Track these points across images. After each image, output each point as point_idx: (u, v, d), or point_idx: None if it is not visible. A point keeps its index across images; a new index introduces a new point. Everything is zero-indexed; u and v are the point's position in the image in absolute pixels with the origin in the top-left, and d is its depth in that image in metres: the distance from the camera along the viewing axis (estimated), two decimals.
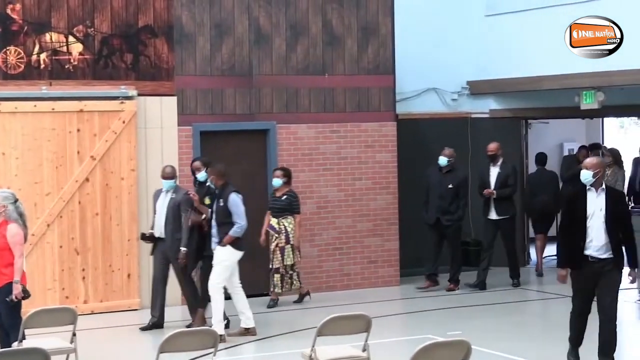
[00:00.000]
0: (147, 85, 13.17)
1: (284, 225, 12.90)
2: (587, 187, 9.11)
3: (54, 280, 12.57)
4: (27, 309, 9.45)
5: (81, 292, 12.70)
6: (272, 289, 13.00)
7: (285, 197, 12.90)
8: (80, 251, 12.69)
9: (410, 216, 15.01)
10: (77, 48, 12.87)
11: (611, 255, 9.07)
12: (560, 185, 15.68)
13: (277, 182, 12.94)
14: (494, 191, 14.03)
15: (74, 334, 9.14)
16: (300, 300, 13.26)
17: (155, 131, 13.15)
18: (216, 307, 11.11)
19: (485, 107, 16.20)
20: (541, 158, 16.01)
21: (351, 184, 14.17)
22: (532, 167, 16.66)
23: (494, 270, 15.74)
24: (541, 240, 15.73)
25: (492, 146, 14.20)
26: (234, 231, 11.06)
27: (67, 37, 12.82)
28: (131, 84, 13.03)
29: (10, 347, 8.87)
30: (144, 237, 11.92)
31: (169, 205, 11.63)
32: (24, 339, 8.91)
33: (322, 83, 14.03)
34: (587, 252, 9.14)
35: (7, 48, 12.58)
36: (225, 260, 11.11)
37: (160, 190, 11.84)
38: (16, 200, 9.41)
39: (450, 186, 13.98)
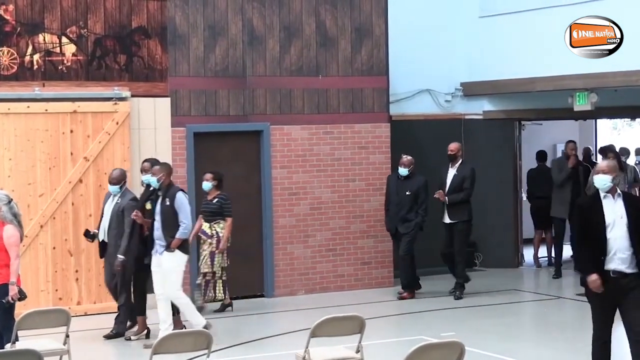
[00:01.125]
0: (141, 86, 13.16)
1: (216, 230, 12.53)
2: (603, 194, 8.18)
3: (47, 282, 12.55)
4: (20, 310, 9.43)
5: (74, 293, 12.68)
6: (200, 295, 12.48)
7: (216, 200, 12.56)
8: (73, 252, 12.67)
9: None
10: (70, 49, 12.86)
11: (636, 270, 8.07)
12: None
13: (206, 185, 12.58)
14: (445, 196, 13.37)
15: (67, 336, 9.12)
16: (222, 309, 12.71)
17: (149, 132, 13.14)
18: (188, 309, 10.94)
19: (478, 108, 16.21)
20: (542, 155, 16.24)
21: (345, 185, 14.17)
22: (526, 168, 16.71)
23: (487, 271, 15.78)
24: (538, 237, 15.93)
25: (453, 146, 13.60)
26: (181, 233, 10.67)
27: (60, 38, 12.80)
28: (124, 85, 13.01)
29: (3, 348, 8.85)
30: (87, 234, 11.48)
31: (113, 210, 11.23)
32: (17, 340, 8.89)
33: (316, 84, 14.03)
34: (609, 267, 8.12)
35: (0, 49, 12.56)
36: (176, 267, 10.77)
37: (110, 193, 11.45)
38: (10, 201, 9.39)
39: (407, 193, 13.46)
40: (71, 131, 12.69)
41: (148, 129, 13.14)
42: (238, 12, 13.61)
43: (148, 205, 11.08)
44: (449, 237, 13.51)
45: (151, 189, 11.09)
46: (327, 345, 8.64)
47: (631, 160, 18.67)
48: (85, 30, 12.90)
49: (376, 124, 14.39)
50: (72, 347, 9.15)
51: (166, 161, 11.73)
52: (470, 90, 16.09)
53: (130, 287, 11.32)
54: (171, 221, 10.66)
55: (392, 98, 14.98)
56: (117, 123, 12.86)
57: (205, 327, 10.44)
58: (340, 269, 14.17)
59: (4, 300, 9.14)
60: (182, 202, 10.74)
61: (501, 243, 15.66)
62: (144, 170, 11.46)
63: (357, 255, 14.28)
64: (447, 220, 13.48)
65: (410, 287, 13.63)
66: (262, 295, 13.79)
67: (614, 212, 8.09)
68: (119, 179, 11.30)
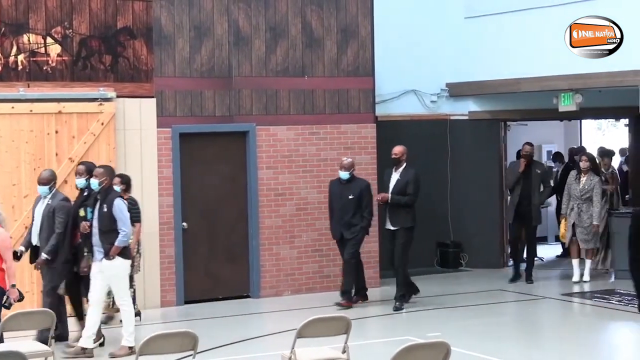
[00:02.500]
0: (126, 86, 13.13)
1: None
2: None
3: (31, 283, 12.48)
4: (4, 312, 9.39)
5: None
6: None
7: None
8: None
9: None
10: (55, 49, 12.82)
11: None
12: (509, 196, 15.10)
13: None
14: (387, 196, 12.76)
15: (52, 337, 9.10)
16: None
17: (134, 133, 13.11)
18: (130, 320, 10.59)
19: (464, 108, 16.24)
20: (558, 156, 16.48)
21: None
22: None
23: (472, 272, 15.80)
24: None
25: (397, 149, 12.95)
26: (120, 240, 10.32)
27: (45, 39, 12.76)
28: (110, 86, 12.98)
29: None
30: (15, 256, 10.22)
31: (44, 212, 10.77)
32: (2, 342, 8.86)
33: (302, 85, 14.02)
34: None
35: None
36: (119, 273, 10.44)
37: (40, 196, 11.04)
38: None
39: (350, 197, 12.93)
40: (56, 132, 12.64)
41: (133, 129, 13.11)
42: (224, 13, 13.60)
43: (82, 212, 10.71)
44: (392, 244, 12.88)
45: (85, 194, 10.74)
46: (313, 346, 8.64)
47: (614, 161, 18.76)
48: (71, 30, 12.86)
49: (362, 124, 14.40)
50: (56, 349, 9.12)
51: (109, 164, 11.43)
52: (456, 90, 16.12)
53: (58, 292, 10.76)
54: (108, 228, 10.33)
55: (378, 99, 14.99)
56: (103, 124, 12.82)
57: (132, 349, 10.27)
58: (326, 270, 14.16)
59: (6, 304, 9.11)
60: (121, 209, 10.37)
61: (486, 243, 15.70)
62: (78, 174, 10.98)
63: None
64: (389, 226, 12.85)
65: (351, 293, 13.08)
66: (248, 296, 13.77)
67: None
68: (49, 180, 10.83)
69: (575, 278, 14.49)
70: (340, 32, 14.22)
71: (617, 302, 13.28)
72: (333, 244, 14.14)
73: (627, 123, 17.52)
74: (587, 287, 14.26)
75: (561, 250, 16.96)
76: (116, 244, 10.31)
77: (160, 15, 13.27)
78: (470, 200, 15.92)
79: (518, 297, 13.62)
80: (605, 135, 25.31)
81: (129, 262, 10.62)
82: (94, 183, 10.46)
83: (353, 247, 13.01)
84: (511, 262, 15.33)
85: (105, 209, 10.34)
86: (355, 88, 14.32)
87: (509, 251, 15.49)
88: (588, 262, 14.57)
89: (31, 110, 12.52)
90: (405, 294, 12.95)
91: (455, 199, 16.17)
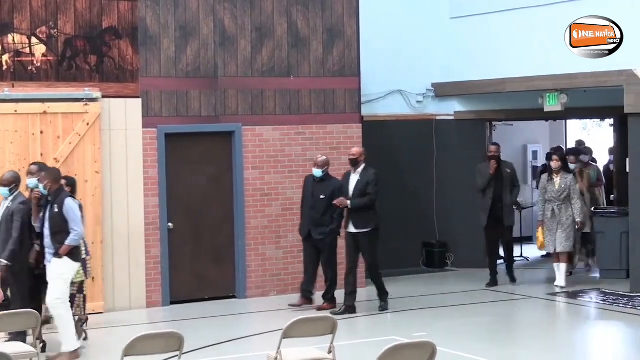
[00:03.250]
0: (112, 87, 13.10)
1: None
2: None
3: None
4: None
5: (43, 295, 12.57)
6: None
7: None
8: None
9: None
10: (40, 49, 12.78)
11: None
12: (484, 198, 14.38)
13: None
14: (346, 202, 12.42)
15: (38, 339, 9.07)
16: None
17: (120, 133, 13.08)
18: (64, 324, 10.18)
19: (450, 109, 16.26)
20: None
21: None
22: None
23: (458, 272, 15.83)
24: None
25: (355, 150, 12.78)
26: (71, 240, 10.12)
27: (30, 39, 12.72)
28: (95, 86, 12.95)
29: None
30: None
31: (3, 215, 10.49)
32: None
33: (288, 85, 14.02)
34: None
35: None
36: (64, 274, 10.16)
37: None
38: None
39: (322, 197, 12.66)
40: (41, 132, 12.61)
41: (119, 129, 13.08)
42: (209, 13, 13.58)
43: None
44: (354, 248, 12.52)
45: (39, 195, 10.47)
46: (300, 346, 8.64)
47: (602, 160, 18.83)
48: (56, 30, 12.82)
49: (348, 124, 14.40)
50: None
51: (54, 166, 11.21)
52: (442, 91, 16.15)
53: (25, 297, 10.31)
54: (60, 228, 10.13)
55: (364, 99, 15.00)
56: (88, 124, 12.79)
57: (76, 353, 10.07)
58: None
59: None
60: (71, 209, 10.18)
61: (473, 243, 15.71)
62: (30, 174, 10.75)
63: None
64: (352, 229, 12.47)
65: (329, 297, 12.89)
66: (234, 297, 13.76)
67: None
68: (10, 182, 10.57)
69: (560, 283, 14.02)
70: (326, 32, 14.22)
71: (602, 302, 13.33)
72: None
73: (612, 123, 17.57)
74: (572, 287, 14.28)
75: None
76: (67, 242, 10.11)
77: (145, 15, 13.24)
78: (456, 200, 15.94)
79: (503, 297, 13.64)
80: (590, 135, 25.40)
81: (76, 265, 10.34)
82: (36, 184, 10.28)
83: (330, 254, 12.83)
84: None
85: (57, 209, 10.14)
86: (341, 88, 14.32)
87: (487, 256, 14.77)
88: (563, 267, 14.06)
89: (16, 111, 12.48)
90: (386, 297, 12.80)
91: (441, 199, 16.20)
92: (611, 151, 18.51)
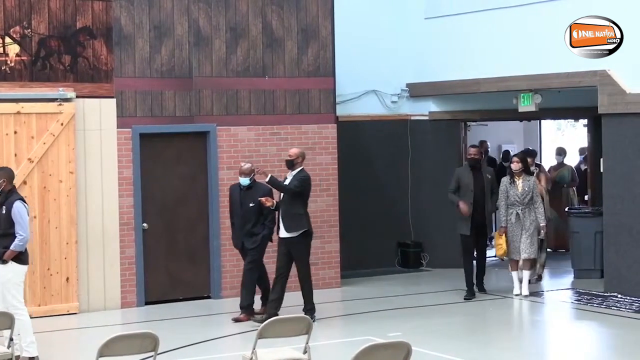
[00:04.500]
0: (86, 87, 13.04)
1: None
2: None
3: None
4: None
5: None
6: None
7: None
8: None
9: (350, 218, 15.08)
10: (13, 49, 12.70)
11: None
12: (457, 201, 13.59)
13: None
14: (273, 201, 11.97)
15: (12, 339, 9.02)
16: None
17: (94, 133, 13.03)
18: (25, 328, 9.94)
19: (424, 109, 16.30)
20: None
21: None
22: None
23: (433, 272, 15.87)
24: None
25: (292, 151, 12.24)
26: (16, 245, 9.86)
27: (3, 39, 12.64)
28: (69, 86, 12.89)
29: None
30: None
31: None
32: None
33: (262, 85, 14.01)
34: None
35: None
36: (12, 278, 9.89)
37: None
38: None
39: (251, 205, 12.11)
40: (15, 132, 12.54)
41: (93, 130, 13.03)
42: (184, 13, 13.56)
43: None
44: (284, 253, 12.01)
45: None
46: (275, 347, 8.64)
47: (573, 160, 18.94)
48: (29, 30, 12.75)
49: (323, 124, 14.41)
50: (16, 351, 9.04)
51: (8, 166, 11.05)
52: (416, 91, 16.19)
53: None
54: (5, 231, 9.90)
55: (339, 99, 15.01)
56: (62, 124, 12.74)
57: (33, 359, 9.90)
58: None
59: None
60: (19, 212, 9.95)
61: (447, 243, 15.76)
62: None
63: None
64: (282, 234, 11.97)
65: (251, 306, 12.32)
66: (209, 297, 13.74)
67: None
68: None
69: (517, 291, 13.51)
70: (301, 33, 14.23)
71: (576, 301, 13.40)
72: None
73: (586, 123, 17.68)
74: (546, 287, 14.35)
75: None
76: (12, 247, 9.86)
77: (120, 15, 13.20)
78: (431, 201, 15.98)
79: (479, 296, 13.68)
80: (564, 135, 25.55)
81: (24, 267, 10.10)
82: None
83: (252, 256, 12.25)
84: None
85: (4, 211, 9.94)
86: (316, 88, 14.33)
87: (465, 267, 13.74)
88: (527, 274, 13.53)
89: None
90: (313, 308, 12.07)
91: (415, 199, 16.23)
92: (581, 151, 18.62)
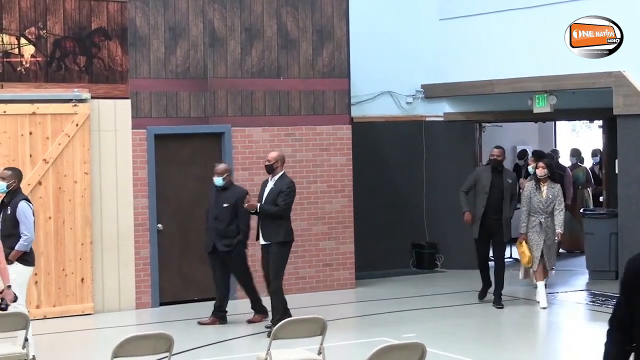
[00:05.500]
0: (101, 88, 13.07)
1: None
2: None
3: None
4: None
5: (34, 296, 12.56)
6: None
7: None
8: None
9: (365, 219, 15.07)
10: (29, 50, 12.74)
11: None
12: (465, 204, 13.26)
13: None
14: (255, 205, 11.55)
15: (27, 340, 9.05)
16: None
17: (109, 134, 13.06)
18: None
19: (439, 110, 16.29)
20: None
21: (306, 187, 14.17)
22: None
23: (447, 273, 15.84)
24: None
25: (270, 155, 11.86)
26: (21, 245, 9.87)
27: (18, 39, 12.68)
28: (84, 87, 12.92)
29: None
30: None
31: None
32: None
33: (277, 86, 14.02)
34: None
35: None
36: (16, 279, 9.65)
37: None
38: None
39: (225, 205, 11.79)
40: (30, 133, 12.58)
41: (108, 130, 13.06)
42: (199, 14, 13.58)
43: None
44: (265, 260, 11.70)
45: None
46: (289, 348, 8.64)
47: (587, 162, 18.88)
48: (45, 31, 12.79)
49: (337, 125, 14.41)
50: (31, 352, 9.07)
51: (17, 167, 11.05)
52: (431, 92, 16.17)
53: None
54: (11, 231, 9.93)
55: (354, 100, 15.01)
56: (77, 125, 12.77)
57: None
58: (301, 271, 14.16)
59: (2, 306, 8.96)
60: (25, 212, 9.96)
61: (462, 245, 15.72)
62: (1, 178, 10.30)
63: (319, 257, 14.29)
64: (262, 241, 11.64)
65: (257, 308, 12.13)
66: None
67: None
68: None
69: (544, 304, 12.85)
70: (316, 34, 14.23)
71: (591, 303, 13.35)
72: (309, 245, 14.17)
73: (601, 125, 17.63)
74: (561, 288, 14.30)
75: None
76: (16, 248, 9.88)
77: (135, 16, 13.23)
78: (445, 201, 15.95)
79: (492, 298, 13.63)
80: (579, 137, 25.46)
81: (30, 269, 10.12)
82: (2, 185, 10.10)
83: (239, 266, 12.00)
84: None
85: (9, 212, 9.97)
86: (331, 89, 14.33)
87: (480, 271, 13.35)
88: (542, 284, 12.93)
89: (5, 112, 12.45)
90: (282, 316, 11.22)
91: (430, 200, 16.22)
92: (594, 153, 18.57)
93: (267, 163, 11.81)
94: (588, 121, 21.93)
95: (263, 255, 11.76)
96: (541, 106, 14.52)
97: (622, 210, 13.53)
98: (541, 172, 12.76)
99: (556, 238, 12.87)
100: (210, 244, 12.04)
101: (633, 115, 13.09)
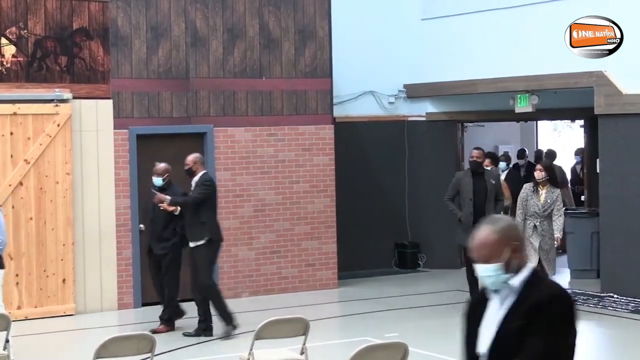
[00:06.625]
0: (83, 88, 13.03)
1: None
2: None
3: None
4: None
5: (15, 297, 12.51)
6: None
7: None
8: (14, 256, 12.50)
9: (348, 219, 15.08)
10: (10, 50, 12.69)
11: None
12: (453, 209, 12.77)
13: None
14: (165, 198, 11.25)
15: (7, 341, 9.01)
16: None
17: (91, 134, 13.02)
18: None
19: (421, 110, 16.31)
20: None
21: (289, 187, 14.17)
22: None
23: (430, 272, 15.87)
24: None
25: (188, 159, 11.45)
26: None
27: None
28: (66, 87, 12.88)
29: None
30: None
31: None
32: None
33: (260, 86, 14.01)
34: None
35: None
36: None
37: None
38: None
39: (161, 207, 11.41)
40: (11, 133, 12.52)
41: (90, 131, 13.02)
42: (181, 14, 13.55)
43: None
44: (194, 263, 11.40)
45: None
46: (272, 347, 8.63)
47: (570, 162, 18.94)
48: (25, 31, 12.74)
49: (320, 125, 14.41)
50: (12, 353, 9.03)
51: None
52: (413, 92, 16.20)
53: None
54: None
55: (336, 100, 15.02)
56: (59, 125, 12.72)
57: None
58: (284, 271, 14.16)
59: None
60: None
61: (444, 244, 15.77)
62: None
63: (301, 257, 14.29)
64: (190, 244, 11.32)
65: (165, 318, 11.69)
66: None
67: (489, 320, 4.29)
68: None
69: None
70: (298, 33, 14.23)
71: None
72: (292, 245, 14.17)
73: (583, 124, 17.69)
74: None
75: None
76: None
77: (116, 15, 13.19)
78: (428, 201, 15.99)
79: None
80: (561, 137, 25.55)
81: (2, 271, 10.00)
82: None
83: (171, 271, 11.46)
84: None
85: None
86: (313, 89, 14.33)
87: (468, 282, 12.59)
88: None
89: None
90: (207, 327, 11.36)
91: (413, 200, 16.24)
92: (577, 152, 18.62)
93: (185, 167, 11.43)
94: (570, 121, 22.02)
95: (189, 257, 11.41)
96: (523, 106, 14.56)
97: (604, 210, 13.59)
98: (539, 175, 12.20)
99: (555, 243, 12.29)
100: (146, 247, 11.77)
101: (614, 115, 13.15)
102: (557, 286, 4.31)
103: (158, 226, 11.51)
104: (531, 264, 4.53)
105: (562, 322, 4.19)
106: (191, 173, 11.40)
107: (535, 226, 12.09)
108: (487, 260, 4.21)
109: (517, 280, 4.20)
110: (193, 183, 11.38)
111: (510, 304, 4.19)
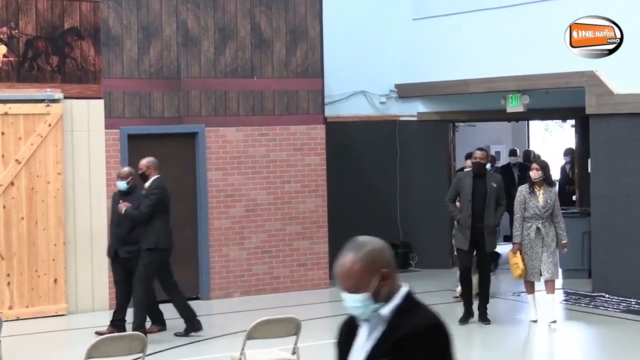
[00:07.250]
0: (74, 88, 13.02)
1: None
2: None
3: None
4: None
5: (6, 297, 12.50)
6: None
7: None
8: (5, 256, 12.49)
9: (339, 219, 15.08)
10: (1, 50, 12.67)
11: None
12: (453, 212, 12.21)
13: None
14: (124, 207, 11.14)
15: None
16: None
17: (82, 134, 13.01)
18: None
19: (413, 110, 16.33)
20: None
21: (280, 187, 14.18)
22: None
23: (421, 272, 15.88)
24: None
25: (141, 163, 11.34)
26: None
27: None
28: (57, 87, 12.86)
29: None
30: None
31: None
32: None
33: (251, 86, 14.01)
34: None
35: None
36: None
37: None
38: None
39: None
40: (2, 133, 12.51)
41: (81, 131, 13.01)
42: (172, 14, 13.54)
43: None
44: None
45: None
46: (263, 347, 8.64)
47: (559, 162, 18.97)
48: (17, 31, 12.72)
49: (311, 125, 14.41)
50: (4, 353, 9.02)
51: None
52: (405, 92, 16.21)
53: None
54: None
55: (327, 100, 15.02)
56: (50, 125, 12.71)
57: None
58: (275, 271, 14.17)
59: None
60: None
61: (436, 244, 15.79)
62: None
63: (293, 257, 14.29)
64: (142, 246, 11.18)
65: (158, 320, 11.61)
66: (197, 298, 13.72)
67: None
68: None
69: (534, 317, 11.94)
70: (289, 33, 14.23)
71: (564, 301, 13.42)
72: (283, 245, 14.17)
73: (574, 124, 17.73)
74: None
75: None
76: None
77: (108, 15, 13.18)
78: (419, 201, 16.01)
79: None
80: (552, 136, 25.62)
81: None
82: None
83: (142, 275, 11.15)
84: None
85: None
86: (305, 89, 14.34)
87: (459, 286, 12.48)
88: (552, 298, 11.91)
89: None
90: (140, 322, 11.11)
91: (404, 200, 16.25)
92: (566, 152, 18.65)
93: (139, 171, 11.33)
94: (561, 121, 22.08)
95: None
96: (514, 106, 14.59)
97: (595, 210, 13.62)
98: (535, 174, 11.67)
99: (564, 250, 11.91)
100: (112, 251, 11.59)
101: (605, 115, 13.18)
102: (431, 315, 4.01)
103: (123, 230, 11.34)
104: (405, 288, 4.10)
105: (434, 356, 3.90)
106: (145, 177, 11.29)
107: (537, 228, 11.60)
108: (353, 290, 3.91)
109: (387, 310, 3.91)
110: (145, 187, 11.26)
111: (378, 335, 3.90)
